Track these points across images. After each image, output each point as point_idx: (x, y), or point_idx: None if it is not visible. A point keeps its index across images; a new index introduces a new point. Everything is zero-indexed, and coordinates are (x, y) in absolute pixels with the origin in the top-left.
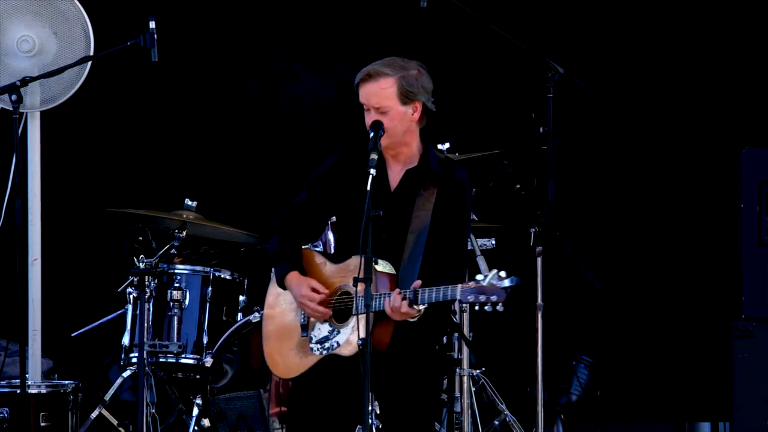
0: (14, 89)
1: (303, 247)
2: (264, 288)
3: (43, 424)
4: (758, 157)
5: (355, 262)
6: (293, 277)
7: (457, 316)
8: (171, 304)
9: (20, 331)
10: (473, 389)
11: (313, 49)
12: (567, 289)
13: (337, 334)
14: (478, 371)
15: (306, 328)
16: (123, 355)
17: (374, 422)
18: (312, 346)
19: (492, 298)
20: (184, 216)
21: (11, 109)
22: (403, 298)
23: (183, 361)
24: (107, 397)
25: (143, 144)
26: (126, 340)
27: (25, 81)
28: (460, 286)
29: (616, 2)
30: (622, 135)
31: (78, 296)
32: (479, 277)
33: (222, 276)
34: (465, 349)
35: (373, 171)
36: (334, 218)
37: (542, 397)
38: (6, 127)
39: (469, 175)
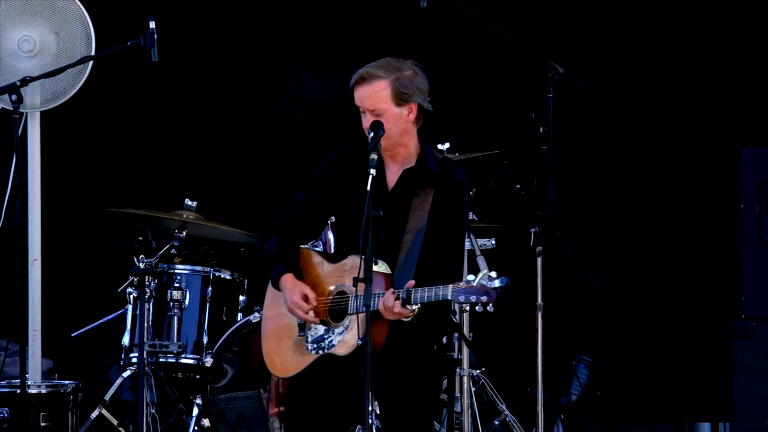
0: (14, 89)
1: (301, 246)
2: (264, 288)
3: (43, 424)
4: (758, 157)
5: (351, 261)
6: (287, 280)
7: (457, 316)
8: (171, 304)
9: (20, 331)
10: (473, 389)
11: (312, 49)
12: (567, 289)
13: (333, 333)
14: (478, 371)
15: (303, 327)
16: (123, 355)
17: (374, 422)
18: (308, 345)
19: (482, 298)
20: (184, 216)
21: (11, 109)
22: (396, 298)
23: (183, 361)
24: (107, 397)
25: (143, 144)
26: (126, 340)
27: (25, 81)
28: (451, 286)
29: (616, 2)
30: (622, 135)
31: (78, 296)
32: (470, 277)
33: (222, 276)
34: (465, 349)
35: (373, 171)
36: (333, 218)
37: (542, 397)
38: (6, 127)
39: (469, 175)
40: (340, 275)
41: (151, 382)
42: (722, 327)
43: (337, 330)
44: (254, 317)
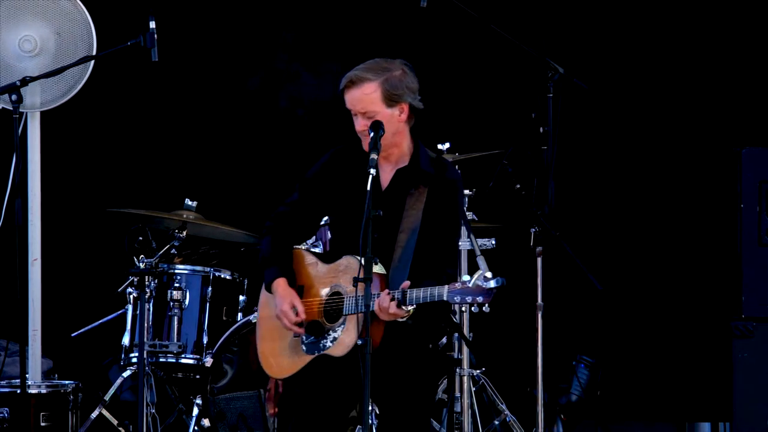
0: (14, 89)
1: (295, 246)
2: None
3: (43, 424)
4: (758, 157)
5: (345, 262)
6: (280, 286)
7: (457, 317)
8: (171, 304)
9: (20, 331)
10: (473, 389)
11: (312, 49)
12: (567, 289)
13: (328, 334)
14: (478, 371)
15: None
16: (123, 355)
17: (374, 422)
18: (303, 346)
19: (478, 298)
20: (184, 216)
21: (11, 108)
22: (392, 299)
23: (183, 361)
24: (107, 397)
25: (143, 144)
26: (126, 340)
27: (25, 81)
28: (447, 286)
29: (616, 2)
30: (622, 135)
31: (78, 296)
32: (465, 278)
33: (222, 276)
34: (465, 349)
35: (373, 171)
36: (327, 219)
37: (542, 397)
38: (6, 127)
39: (469, 175)
40: (334, 276)
41: (151, 382)
42: (722, 327)
43: (332, 331)
44: (254, 317)
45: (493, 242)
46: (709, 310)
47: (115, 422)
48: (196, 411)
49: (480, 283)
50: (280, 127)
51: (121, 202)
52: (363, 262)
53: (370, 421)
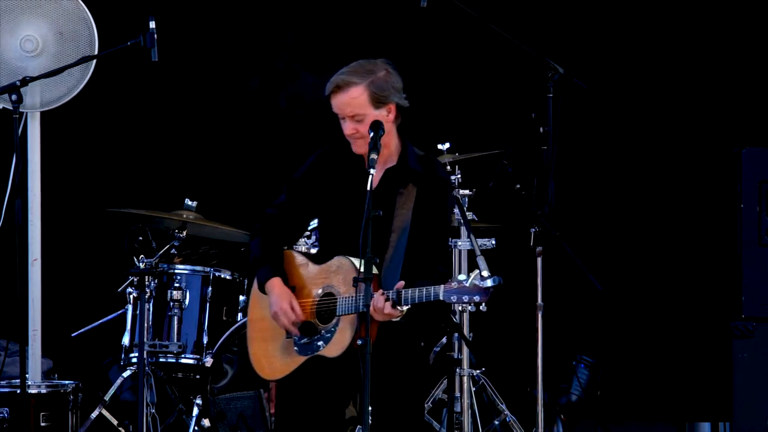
0: (14, 89)
1: (284, 248)
2: None
3: (43, 424)
4: (758, 157)
5: (337, 263)
6: (275, 285)
7: (457, 317)
8: (171, 304)
9: (20, 331)
10: (473, 389)
11: (313, 49)
12: (567, 289)
13: (321, 335)
14: (478, 371)
15: None
16: (123, 355)
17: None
18: (296, 347)
19: (475, 298)
20: (184, 216)
21: (11, 108)
22: (387, 299)
23: (183, 361)
24: (107, 397)
25: (143, 144)
26: (126, 340)
27: (26, 81)
28: (442, 286)
29: (616, 2)
30: (622, 135)
31: (78, 296)
32: (461, 277)
33: (222, 276)
34: (465, 349)
35: (372, 171)
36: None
37: (542, 397)
38: (6, 127)
39: (469, 175)
40: (326, 277)
41: (151, 382)
42: (722, 327)
43: (325, 332)
44: None
45: (493, 242)
46: (709, 311)
47: (115, 422)
48: (196, 411)
49: (477, 282)
50: (280, 127)
51: (121, 202)
52: (364, 262)
53: (370, 421)
